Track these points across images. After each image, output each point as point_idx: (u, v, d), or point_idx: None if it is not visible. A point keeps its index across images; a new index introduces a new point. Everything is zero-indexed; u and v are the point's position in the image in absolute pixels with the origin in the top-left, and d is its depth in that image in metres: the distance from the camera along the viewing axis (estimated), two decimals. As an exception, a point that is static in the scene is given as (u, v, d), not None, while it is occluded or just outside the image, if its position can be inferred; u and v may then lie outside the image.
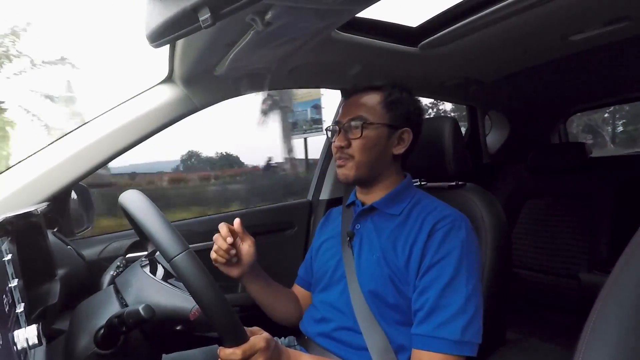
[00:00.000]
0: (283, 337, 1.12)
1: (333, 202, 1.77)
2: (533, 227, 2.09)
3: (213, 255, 0.96)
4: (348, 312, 0.94)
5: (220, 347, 0.72)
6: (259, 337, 0.74)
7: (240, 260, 0.99)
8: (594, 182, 1.94)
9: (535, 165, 2.15)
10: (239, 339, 0.71)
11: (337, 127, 1.01)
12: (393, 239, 0.93)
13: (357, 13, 0.95)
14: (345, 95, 1.05)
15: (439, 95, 2.02)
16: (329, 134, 1.07)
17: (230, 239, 0.94)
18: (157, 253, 0.98)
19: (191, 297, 0.67)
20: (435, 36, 1.30)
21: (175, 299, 0.84)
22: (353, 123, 0.97)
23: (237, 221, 0.97)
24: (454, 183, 1.15)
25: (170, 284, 0.89)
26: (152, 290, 0.86)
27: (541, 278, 1.99)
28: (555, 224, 2.01)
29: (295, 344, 1.10)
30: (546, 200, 2.10)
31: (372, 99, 0.99)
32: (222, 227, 0.95)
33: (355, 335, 0.92)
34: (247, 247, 0.99)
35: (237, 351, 0.70)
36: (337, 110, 1.09)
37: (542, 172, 2.13)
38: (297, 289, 1.19)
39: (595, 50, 1.43)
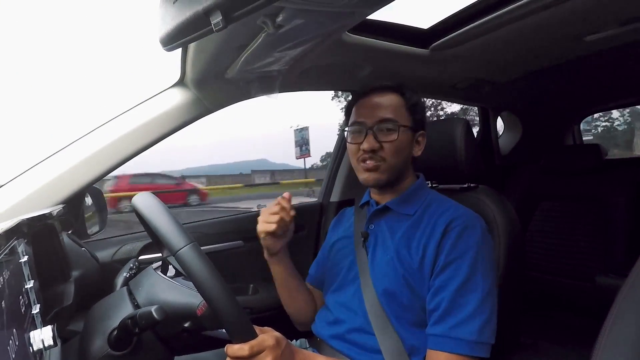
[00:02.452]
0: (295, 340, 1.12)
1: (343, 204, 1.77)
2: (547, 230, 2.06)
3: (271, 227, 0.96)
4: (361, 313, 0.94)
5: (228, 344, 0.71)
6: (268, 335, 0.73)
7: (287, 235, 1.02)
8: (609, 184, 1.91)
9: (549, 166, 2.12)
10: (247, 335, 0.69)
11: (362, 128, 0.97)
12: (407, 239, 0.93)
13: (368, 15, 0.94)
14: (360, 95, 1.01)
15: (451, 96, 2.01)
16: (349, 136, 1.01)
17: (293, 212, 0.96)
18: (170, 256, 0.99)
19: (199, 294, 0.67)
20: (447, 38, 1.29)
21: (183, 295, 0.85)
22: (385, 125, 0.95)
23: (287, 194, 0.98)
24: (465, 185, 1.14)
25: (179, 282, 0.89)
26: (161, 289, 0.87)
27: (555, 281, 1.96)
28: (569, 226, 1.98)
29: (307, 346, 1.09)
30: (560, 203, 2.07)
31: (397, 101, 0.98)
32: (285, 201, 0.96)
33: (368, 336, 0.91)
34: (291, 223, 1.01)
35: (244, 347, 0.68)
36: (350, 111, 1.04)
37: (556, 174, 2.10)
38: (309, 288, 1.18)
39: (611, 51, 1.40)
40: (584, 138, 2.79)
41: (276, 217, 0.95)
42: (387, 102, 0.98)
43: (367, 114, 0.97)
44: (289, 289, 1.10)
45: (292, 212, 0.96)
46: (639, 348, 0.38)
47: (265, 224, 0.96)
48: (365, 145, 0.95)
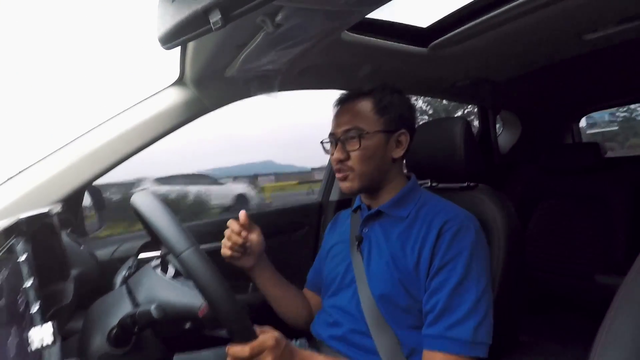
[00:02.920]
0: (295, 339, 1.12)
1: (343, 203, 1.77)
2: (547, 228, 2.06)
3: (227, 252, 0.99)
4: (359, 316, 0.94)
5: (229, 345, 0.72)
6: (268, 335, 0.74)
7: (251, 250, 1.02)
8: (610, 182, 1.91)
9: (548, 165, 2.12)
10: (248, 336, 0.71)
11: (333, 139, 1.00)
12: (401, 242, 0.93)
13: (368, 14, 0.94)
14: (336, 103, 1.03)
15: (450, 95, 2.01)
16: (326, 147, 1.05)
17: (244, 233, 0.97)
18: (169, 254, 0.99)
19: (200, 295, 0.68)
20: (446, 37, 1.29)
21: (185, 296, 0.85)
22: (349, 134, 0.96)
23: (242, 214, 1.00)
24: (465, 184, 1.14)
25: (180, 282, 0.89)
26: (161, 289, 0.87)
27: (555, 280, 1.96)
28: (569, 225, 1.98)
29: (307, 346, 1.10)
30: (560, 201, 2.07)
31: (364, 106, 0.98)
32: (233, 224, 0.98)
33: (367, 338, 0.92)
34: (255, 236, 1.03)
35: (245, 348, 0.70)
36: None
37: (556, 173, 2.10)
38: (308, 294, 1.19)
39: (610, 49, 1.40)
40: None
41: (228, 243, 0.99)
42: (352, 110, 0.98)
43: (336, 125, 1.00)
44: (273, 298, 1.10)
45: (244, 234, 0.97)
46: (636, 346, 0.39)
47: (223, 248, 1.01)
48: (335, 156, 0.98)
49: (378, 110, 0.97)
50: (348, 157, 0.96)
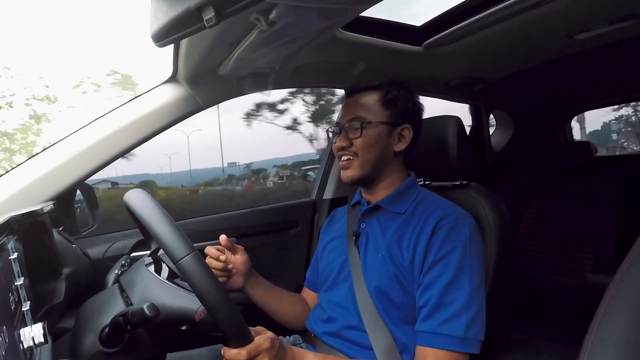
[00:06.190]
0: (288, 336, 1.12)
1: (337, 202, 1.77)
2: (538, 227, 2.08)
3: None
4: (354, 311, 0.95)
5: (225, 348, 0.72)
6: (263, 337, 0.74)
7: (236, 272, 1.02)
8: (600, 181, 1.92)
9: (540, 164, 2.13)
10: (244, 340, 0.71)
11: (337, 128, 1.02)
12: (398, 237, 0.94)
13: (361, 12, 0.95)
14: (345, 95, 1.06)
15: (443, 94, 2.01)
16: (331, 135, 1.07)
17: (223, 257, 0.97)
18: (161, 252, 0.99)
19: (196, 298, 0.68)
20: (439, 35, 1.29)
21: (181, 299, 0.85)
22: (353, 123, 0.98)
23: (222, 238, 1.01)
24: (458, 182, 1.14)
25: (176, 284, 0.89)
26: (157, 290, 0.86)
27: (546, 278, 1.97)
28: (560, 224, 2.00)
29: (301, 341, 1.10)
30: (552, 200, 2.08)
31: (371, 98, 1.01)
32: (210, 250, 0.98)
33: (361, 334, 0.92)
34: (239, 257, 1.03)
35: (242, 352, 0.71)
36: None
37: (548, 172, 2.11)
38: (307, 293, 1.19)
39: (601, 49, 1.42)
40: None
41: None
42: (361, 101, 1.01)
43: (342, 115, 1.03)
44: (270, 311, 1.11)
45: (222, 258, 0.97)
46: (626, 343, 0.39)
47: None
48: (337, 144, 1.00)
49: (384, 103, 0.99)
50: (350, 145, 0.98)
